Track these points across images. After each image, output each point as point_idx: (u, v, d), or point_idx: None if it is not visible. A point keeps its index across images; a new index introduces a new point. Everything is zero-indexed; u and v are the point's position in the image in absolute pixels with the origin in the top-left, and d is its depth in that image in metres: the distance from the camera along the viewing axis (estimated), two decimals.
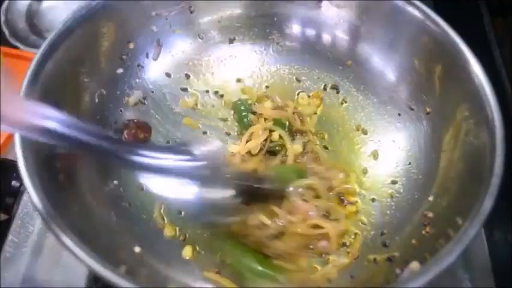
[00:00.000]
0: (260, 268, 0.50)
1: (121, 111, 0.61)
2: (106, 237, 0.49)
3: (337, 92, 0.66)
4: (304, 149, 0.60)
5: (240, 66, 0.68)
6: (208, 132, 0.63)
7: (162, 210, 0.56)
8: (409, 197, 0.56)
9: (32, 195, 0.43)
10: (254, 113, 0.62)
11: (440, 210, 0.51)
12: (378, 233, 0.55)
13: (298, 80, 0.67)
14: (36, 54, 0.51)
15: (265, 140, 0.60)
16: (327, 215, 0.55)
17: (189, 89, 0.66)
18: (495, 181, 0.44)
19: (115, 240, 0.50)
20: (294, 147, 0.59)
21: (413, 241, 0.50)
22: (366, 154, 0.61)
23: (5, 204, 0.56)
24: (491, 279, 0.53)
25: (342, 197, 0.57)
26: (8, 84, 0.38)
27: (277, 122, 0.61)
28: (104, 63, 0.60)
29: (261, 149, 0.60)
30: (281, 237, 0.52)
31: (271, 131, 0.60)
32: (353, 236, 0.55)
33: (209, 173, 0.46)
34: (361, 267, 0.52)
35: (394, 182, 0.58)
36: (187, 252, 0.53)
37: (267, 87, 0.67)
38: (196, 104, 0.65)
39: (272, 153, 0.60)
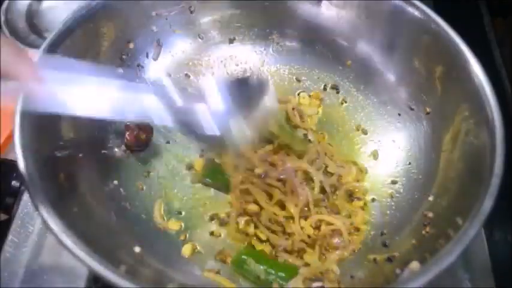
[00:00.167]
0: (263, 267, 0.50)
1: None
2: (106, 237, 0.49)
3: (337, 92, 0.66)
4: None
5: (240, 66, 0.68)
6: None
7: (162, 211, 0.56)
8: (409, 197, 0.56)
9: (31, 195, 0.43)
10: None
11: (440, 210, 0.51)
12: (378, 233, 0.55)
13: (298, 80, 0.67)
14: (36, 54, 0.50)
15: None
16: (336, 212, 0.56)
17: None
18: (495, 181, 0.44)
19: (115, 240, 0.50)
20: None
21: (413, 241, 0.50)
22: (366, 154, 0.61)
23: (5, 204, 0.56)
24: (491, 279, 0.53)
25: (352, 195, 0.57)
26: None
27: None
28: (104, 63, 0.59)
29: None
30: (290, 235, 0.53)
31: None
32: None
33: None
34: (361, 267, 0.52)
35: (394, 182, 0.58)
36: (186, 250, 0.53)
37: None
38: None
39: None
